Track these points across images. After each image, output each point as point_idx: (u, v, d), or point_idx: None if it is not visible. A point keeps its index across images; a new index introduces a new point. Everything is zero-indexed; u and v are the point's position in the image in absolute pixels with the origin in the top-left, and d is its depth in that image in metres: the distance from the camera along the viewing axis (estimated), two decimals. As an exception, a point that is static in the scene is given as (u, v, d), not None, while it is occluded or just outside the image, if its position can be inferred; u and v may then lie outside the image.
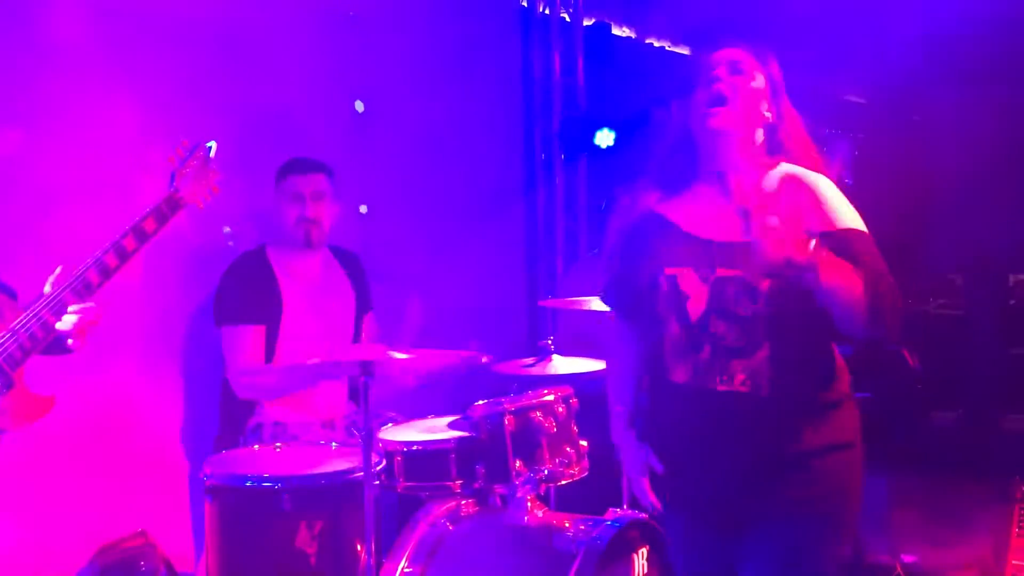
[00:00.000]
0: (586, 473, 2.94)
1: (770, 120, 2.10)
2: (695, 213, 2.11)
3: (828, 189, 2.06)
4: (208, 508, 2.62)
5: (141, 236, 2.13)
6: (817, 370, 2.06)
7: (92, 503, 3.21)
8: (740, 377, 2.00)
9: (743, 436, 2.03)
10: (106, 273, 2.05)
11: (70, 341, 2.04)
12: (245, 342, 3.20)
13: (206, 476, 2.62)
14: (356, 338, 3.55)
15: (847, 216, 2.02)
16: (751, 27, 2.24)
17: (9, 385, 1.97)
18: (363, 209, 4.31)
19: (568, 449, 2.89)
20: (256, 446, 2.93)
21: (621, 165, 5.02)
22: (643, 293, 2.14)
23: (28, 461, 2.28)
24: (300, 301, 3.34)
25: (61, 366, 2.29)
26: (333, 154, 4.01)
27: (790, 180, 2.07)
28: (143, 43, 3.35)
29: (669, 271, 2.08)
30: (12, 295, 1.99)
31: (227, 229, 3.56)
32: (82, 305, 2.01)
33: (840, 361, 2.11)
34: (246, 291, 3.25)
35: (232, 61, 3.61)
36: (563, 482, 2.89)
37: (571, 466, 2.88)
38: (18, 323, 1.92)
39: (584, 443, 2.97)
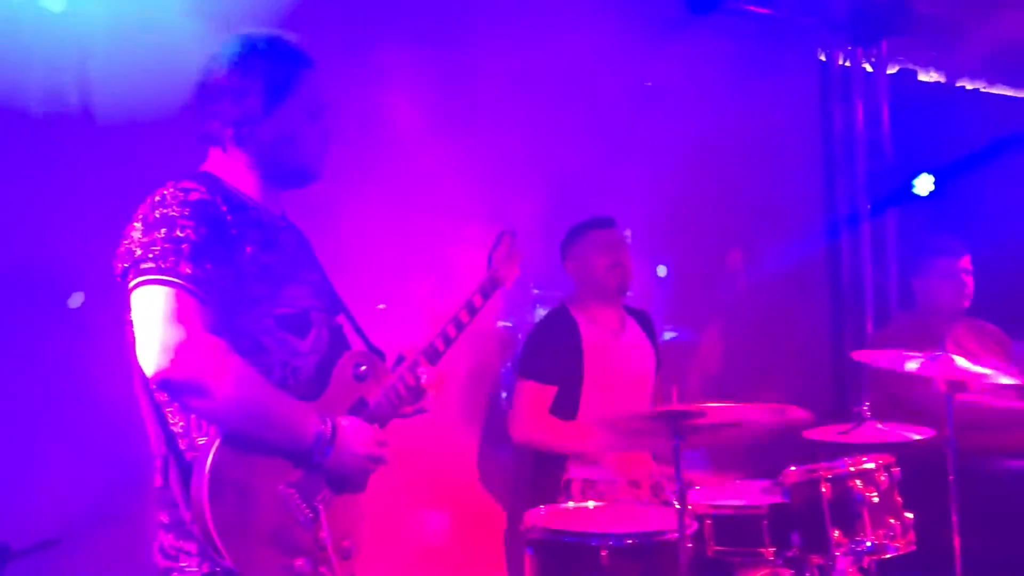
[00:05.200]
0: (913, 547, 2.78)
1: None
2: None
3: None
4: (528, 560, 2.74)
5: (472, 311, 2.41)
6: None
7: (420, 554, 3.47)
8: None
9: None
10: (448, 342, 2.33)
11: (421, 401, 2.27)
12: (531, 397, 3.36)
13: (527, 529, 2.75)
14: (655, 396, 3.58)
15: None
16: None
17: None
18: (661, 271, 4.39)
19: (892, 521, 2.74)
20: (571, 503, 3.04)
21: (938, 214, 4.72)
22: None
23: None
24: (603, 354, 3.45)
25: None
26: (635, 216, 4.12)
27: None
28: (465, 132, 3.68)
29: None
30: (382, 357, 2.25)
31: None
32: (430, 369, 2.23)
33: None
34: (549, 348, 3.42)
35: (535, 140, 3.87)
36: (887, 556, 2.74)
37: (896, 539, 2.73)
38: (389, 383, 2.17)
39: (910, 515, 2.80)
